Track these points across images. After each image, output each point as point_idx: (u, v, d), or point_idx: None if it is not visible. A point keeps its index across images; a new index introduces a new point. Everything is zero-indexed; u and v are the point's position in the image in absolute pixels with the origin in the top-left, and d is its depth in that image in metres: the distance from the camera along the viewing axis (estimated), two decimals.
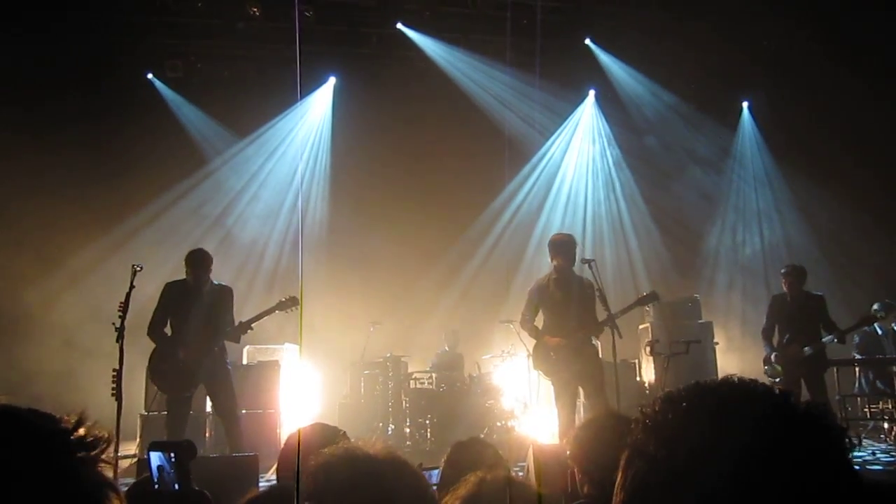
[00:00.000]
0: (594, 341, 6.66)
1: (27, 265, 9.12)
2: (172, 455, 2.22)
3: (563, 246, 6.61)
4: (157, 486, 2.24)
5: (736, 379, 0.96)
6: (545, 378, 6.73)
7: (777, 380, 7.33)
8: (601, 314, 6.44)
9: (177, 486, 2.21)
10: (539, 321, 6.75)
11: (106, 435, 0.87)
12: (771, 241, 11.82)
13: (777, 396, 0.93)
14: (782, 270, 7.62)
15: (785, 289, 7.50)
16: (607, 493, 1.13)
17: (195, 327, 6.26)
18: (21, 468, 0.79)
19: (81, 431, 0.85)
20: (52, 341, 9.07)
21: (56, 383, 8.46)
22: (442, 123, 10.61)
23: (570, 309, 6.50)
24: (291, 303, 6.44)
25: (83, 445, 0.84)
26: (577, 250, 6.62)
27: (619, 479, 0.95)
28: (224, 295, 6.50)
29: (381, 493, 1.37)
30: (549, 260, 6.65)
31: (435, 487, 2.54)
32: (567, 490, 2.59)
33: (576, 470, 2.54)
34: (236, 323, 6.38)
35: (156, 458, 2.25)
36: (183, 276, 6.47)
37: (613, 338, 6.29)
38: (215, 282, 6.57)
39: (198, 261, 6.42)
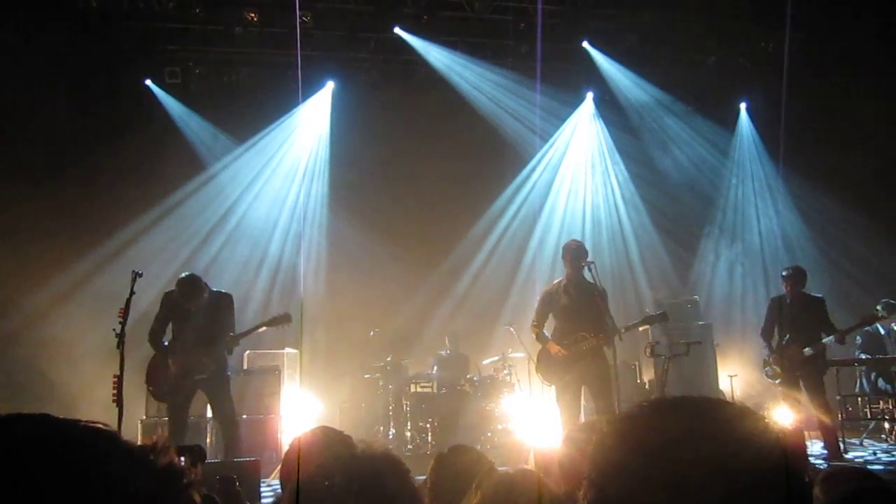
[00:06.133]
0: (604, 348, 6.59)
1: (27, 272, 9.10)
2: (181, 459, 2.24)
3: (568, 252, 6.72)
4: None
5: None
6: (547, 383, 6.76)
7: (777, 381, 7.33)
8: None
9: None
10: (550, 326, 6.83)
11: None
12: (770, 241, 11.81)
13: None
14: (783, 273, 7.62)
15: (785, 290, 7.49)
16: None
17: (193, 335, 6.28)
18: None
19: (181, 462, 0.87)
20: (53, 347, 9.06)
21: (57, 389, 8.45)
22: (440, 127, 10.61)
23: (574, 315, 6.58)
24: (284, 319, 6.51)
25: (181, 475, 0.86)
26: (583, 256, 6.63)
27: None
28: (223, 302, 6.51)
29: (379, 494, 1.37)
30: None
31: None
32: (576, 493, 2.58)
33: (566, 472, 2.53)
34: (236, 329, 6.44)
35: None
36: None
37: (613, 339, 6.36)
38: (213, 289, 6.59)
39: (184, 288, 6.29)
